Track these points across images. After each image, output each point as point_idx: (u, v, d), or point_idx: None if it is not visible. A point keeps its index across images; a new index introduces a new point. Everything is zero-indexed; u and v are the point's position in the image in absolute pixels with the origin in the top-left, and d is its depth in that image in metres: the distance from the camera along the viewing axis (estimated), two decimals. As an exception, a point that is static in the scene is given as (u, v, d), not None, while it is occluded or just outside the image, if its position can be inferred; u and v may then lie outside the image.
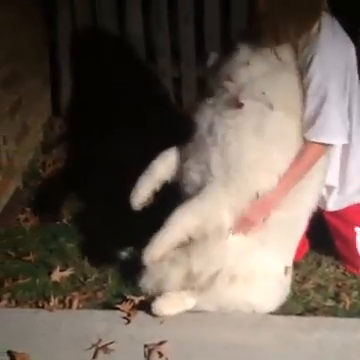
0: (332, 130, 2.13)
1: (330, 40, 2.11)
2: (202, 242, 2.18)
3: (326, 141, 2.14)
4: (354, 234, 2.50)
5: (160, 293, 2.28)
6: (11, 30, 3.29)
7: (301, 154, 2.13)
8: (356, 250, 2.52)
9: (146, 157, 3.31)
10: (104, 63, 4.08)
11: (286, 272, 2.30)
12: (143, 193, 2.31)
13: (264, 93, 2.09)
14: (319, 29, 2.11)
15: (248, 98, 2.09)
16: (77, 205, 3.16)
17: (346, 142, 2.22)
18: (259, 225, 2.17)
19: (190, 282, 2.24)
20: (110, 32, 4.02)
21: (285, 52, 2.14)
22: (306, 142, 2.14)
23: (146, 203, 2.32)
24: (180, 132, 3.58)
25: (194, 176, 2.22)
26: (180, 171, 2.30)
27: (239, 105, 2.08)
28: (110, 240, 2.74)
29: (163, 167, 2.32)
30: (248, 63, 2.11)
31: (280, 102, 2.10)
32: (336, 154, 2.33)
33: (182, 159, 2.31)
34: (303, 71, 2.12)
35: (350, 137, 2.26)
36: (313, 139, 2.12)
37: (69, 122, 4.06)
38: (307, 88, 2.11)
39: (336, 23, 2.19)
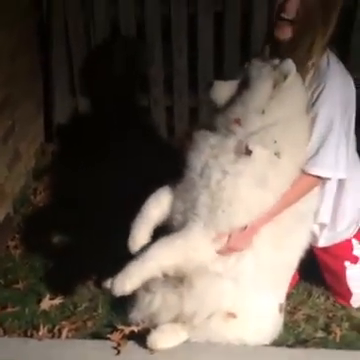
0: (333, 164, 2.13)
1: (339, 76, 2.14)
2: (196, 284, 2.15)
3: (325, 175, 2.14)
4: (344, 268, 2.51)
5: (151, 324, 2.26)
6: (7, 55, 3.32)
7: (295, 184, 2.10)
8: (346, 284, 2.53)
9: (137, 185, 3.37)
10: (98, 91, 4.12)
11: (280, 309, 2.30)
12: (140, 239, 2.21)
13: (276, 142, 2.02)
14: (328, 63, 2.14)
15: (257, 145, 2.02)
16: (68, 232, 3.14)
17: (344, 177, 2.22)
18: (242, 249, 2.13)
19: (182, 320, 2.22)
20: (104, 60, 4.07)
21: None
22: (303, 174, 2.11)
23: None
24: (171, 162, 3.65)
25: (179, 217, 2.18)
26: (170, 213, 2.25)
27: (248, 152, 2.01)
28: (101, 268, 2.73)
29: (157, 209, 2.24)
30: (263, 112, 2.03)
31: (288, 151, 2.05)
32: (330, 192, 2.34)
33: (172, 200, 2.25)
34: (309, 104, 2.11)
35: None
36: (312, 171, 2.11)
37: (61, 148, 4.07)
38: (313, 120, 2.10)
39: (340, 62, 2.22)
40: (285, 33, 2.12)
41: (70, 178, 3.65)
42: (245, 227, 2.08)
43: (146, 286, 2.28)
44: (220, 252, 2.11)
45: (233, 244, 2.09)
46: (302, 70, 2.11)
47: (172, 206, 2.22)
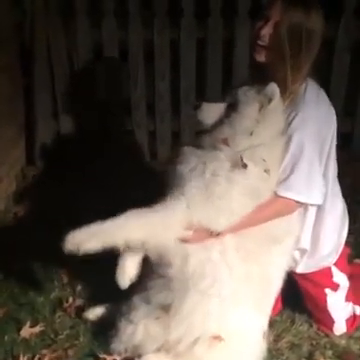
0: (304, 188, 2.16)
1: (314, 103, 2.19)
2: (182, 307, 2.14)
3: (295, 198, 2.16)
4: (325, 296, 2.51)
5: (134, 353, 2.23)
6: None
7: (266, 205, 2.12)
8: (328, 311, 2.53)
9: (120, 209, 3.35)
10: (80, 115, 4.11)
11: (264, 336, 2.29)
12: (129, 271, 2.17)
13: (264, 160, 2.09)
14: (305, 90, 2.20)
15: (249, 161, 2.07)
16: (49, 258, 3.09)
17: (317, 202, 2.24)
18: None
19: (166, 348, 2.20)
20: (87, 84, 4.07)
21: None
22: (276, 197, 2.14)
23: (134, 279, 2.18)
24: (154, 186, 3.64)
25: None
26: None
27: (244, 165, 2.06)
28: (83, 294, 2.70)
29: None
30: (251, 134, 2.10)
31: (275, 169, 2.12)
32: (310, 218, 2.36)
33: None
34: (285, 128, 2.16)
35: (324, 202, 2.31)
36: (283, 194, 2.14)
37: (43, 172, 4.04)
38: (286, 144, 2.15)
39: (322, 92, 2.27)
40: (261, 57, 2.20)
41: (52, 202, 3.62)
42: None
43: (127, 317, 2.27)
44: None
45: (191, 239, 2.07)
46: (281, 93, 2.16)
47: None
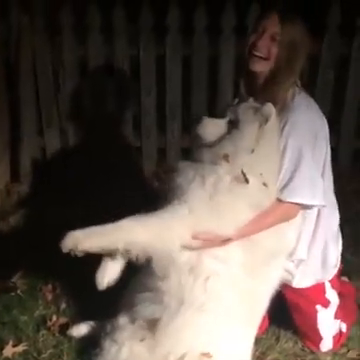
0: (309, 191, 2.18)
1: (303, 107, 2.24)
2: (172, 323, 2.12)
3: (300, 201, 2.18)
4: (315, 312, 2.51)
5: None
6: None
7: (270, 211, 2.14)
8: (317, 328, 2.53)
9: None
10: (66, 131, 4.10)
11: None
12: (109, 274, 2.18)
13: (261, 174, 2.12)
14: (293, 96, 2.25)
15: (248, 174, 2.10)
16: (32, 276, 3.06)
17: (322, 204, 2.25)
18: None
19: None
20: (72, 100, 4.06)
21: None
22: (279, 202, 2.16)
23: (112, 283, 2.19)
24: (140, 202, 3.64)
25: None
26: None
27: (246, 180, 2.08)
28: (66, 312, 2.67)
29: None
30: (253, 151, 2.12)
31: (273, 181, 2.16)
32: (308, 227, 2.36)
33: None
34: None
35: (322, 211, 2.34)
36: (288, 199, 2.16)
37: (28, 189, 4.01)
38: (283, 150, 2.18)
39: (311, 99, 2.32)
40: (259, 67, 2.26)
41: (36, 218, 3.59)
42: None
43: (112, 336, 2.24)
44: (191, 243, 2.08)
45: (208, 241, 2.09)
46: (277, 103, 2.21)
47: None
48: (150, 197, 3.87)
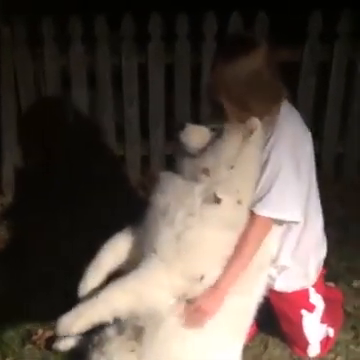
0: (278, 206, 2.16)
1: (287, 121, 2.22)
2: (158, 333, 2.11)
3: (271, 216, 2.16)
4: (301, 317, 2.50)
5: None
6: None
7: (247, 232, 2.13)
8: (303, 333, 2.53)
9: (91, 237, 3.31)
10: (47, 141, 4.07)
11: None
12: (92, 284, 2.21)
13: (238, 191, 2.11)
14: (278, 112, 2.22)
15: (223, 194, 2.08)
16: (16, 290, 3.02)
17: (294, 220, 2.24)
18: (212, 314, 2.13)
19: None
20: (55, 112, 4.04)
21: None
22: (253, 217, 2.14)
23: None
24: (124, 212, 3.63)
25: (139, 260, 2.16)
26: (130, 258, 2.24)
27: (217, 200, 2.07)
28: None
29: (112, 255, 2.25)
30: (232, 167, 2.10)
31: (247, 197, 2.14)
32: (292, 234, 2.35)
33: (130, 245, 2.26)
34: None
35: (307, 219, 2.33)
36: (259, 212, 2.14)
37: (11, 200, 3.97)
38: (262, 165, 2.16)
39: (295, 110, 2.31)
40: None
41: (20, 230, 3.55)
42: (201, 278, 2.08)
43: (100, 349, 2.23)
44: (188, 314, 2.10)
45: (203, 305, 2.10)
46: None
47: (129, 252, 2.23)
48: (135, 206, 3.86)
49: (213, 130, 2.19)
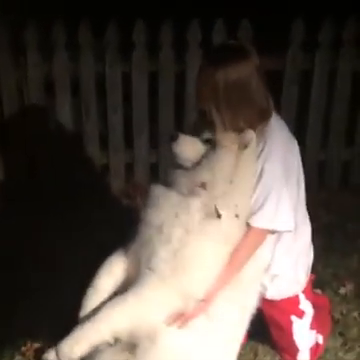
0: (274, 216, 2.18)
1: (278, 131, 2.23)
2: (152, 352, 2.09)
3: (268, 227, 2.18)
4: (290, 323, 2.52)
5: None
6: None
7: (242, 242, 2.14)
8: (293, 339, 2.54)
9: (77, 245, 3.29)
10: (31, 149, 4.03)
11: None
12: (92, 304, 2.18)
13: (237, 205, 2.11)
14: (268, 122, 2.22)
15: (223, 208, 2.07)
16: (2, 301, 2.96)
17: (289, 229, 2.26)
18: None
19: None
20: (38, 119, 4.00)
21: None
22: (248, 229, 2.15)
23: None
24: (107, 219, 3.61)
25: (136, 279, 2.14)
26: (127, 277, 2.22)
27: (219, 215, 2.06)
28: (41, 336, 2.60)
29: (108, 281, 2.21)
30: (231, 182, 2.09)
31: (245, 212, 2.14)
32: (283, 243, 2.36)
33: (126, 265, 2.24)
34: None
35: (296, 227, 2.33)
36: (256, 225, 2.15)
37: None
38: (257, 177, 2.17)
39: (282, 120, 2.32)
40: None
41: (4, 240, 3.50)
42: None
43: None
44: (172, 318, 2.08)
45: (191, 313, 2.09)
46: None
47: (126, 271, 2.20)
48: (119, 214, 3.85)
49: (206, 141, 2.16)
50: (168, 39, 3.90)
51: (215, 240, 2.07)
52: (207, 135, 2.16)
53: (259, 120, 2.20)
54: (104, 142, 4.14)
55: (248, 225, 2.16)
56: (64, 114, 4.03)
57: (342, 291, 3.10)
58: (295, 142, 2.36)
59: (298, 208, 2.37)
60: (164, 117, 4.10)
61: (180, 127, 4.02)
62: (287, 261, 2.41)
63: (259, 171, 2.17)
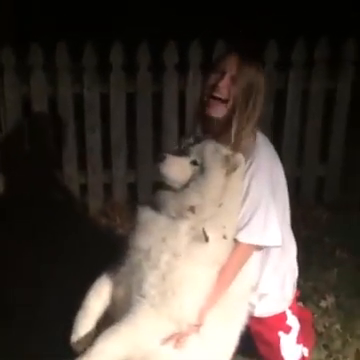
0: (262, 232, 2.21)
1: (264, 147, 2.28)
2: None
3: (257, 243, 2.22)
4: (278, 339, 2.54)
5: None
6: None
7: (232, 257, 2.15)
8: (280, 355, 2.56)
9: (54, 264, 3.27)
10: (9, 170, 4.01)
11: None
12: (84, 335, 2.17)
13: (225, 227, 2.12)
14: (255, 140, 2.28)
15: (210, 231, 2.08)
16: None
17: (277, 244, 2.29)
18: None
19: None
20: (16, 140, 4.00)
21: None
22: (236, 245, 2.17)
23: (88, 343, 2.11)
24: (86, 240, 3.60)
25: (122, 303, 2.14)
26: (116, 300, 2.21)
27: (206, 239, 2.06)
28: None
29: (98, 303, 2.21)
30: (220, 205, 2.10)
31: (233, 232, 2.17)
32: (271, 262, 2.40)
33: (114, 286, 2.22)
34: None
35: (282, 248, 2.38)
36: (246, 240, 2.18)
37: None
38: (244, 193, 2.20)
39: (265, 137, 2.37)
40: (218, 112, 2.24)
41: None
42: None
43: None
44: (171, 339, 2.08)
45: (186, 331, 2.09)
46: (237, 145, 2.21)
47: (114, 293, 2.19)
48: (98, 234, 3.85)
49: (193, 163, 2.16)
50: (145, 61, 3.96)
51: (203, 263, 2.08)
52: (197, 156, 2.16)
53: (253, 131, 2.27)
54: (82, 163, 4.15)
55: (235, 241, 2.18)
56: (42, 135, 4.03)
57: (323, 304, 3.15)
58: (278, 161, 2.39)
59: (284, 226, 2.41)
60: (142, 137, 4.14)
61: (157, 147, 4.07)
62: (275, 280, 2.45)
63: (246, 187, 2.20)
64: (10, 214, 3.89)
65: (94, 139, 4.11)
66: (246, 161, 2.21)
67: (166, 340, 2.08)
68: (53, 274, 3.29)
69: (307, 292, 3.22)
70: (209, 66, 2.37)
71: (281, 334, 2.54)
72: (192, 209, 2.07)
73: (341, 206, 4.21)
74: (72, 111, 4.03)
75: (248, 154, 2.23)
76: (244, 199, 2.20)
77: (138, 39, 3.91)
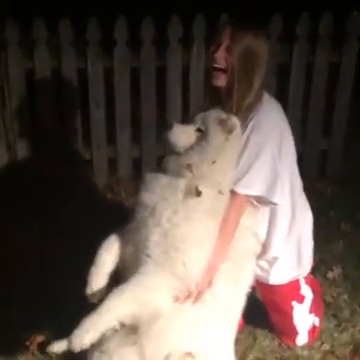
0: (262, 185, 2.26)
1: (267, 108, 2.32)
2: (154, 324, 2.14)
3: (254, 194, 2.26)
4: (291, 308, 2.60)
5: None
6: None
7: (228, 210, 2.21)
8: (293, 323, 2.63)
9: (61, 239, 3.29)
10: (13, 145, 4.01)
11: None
12: (97, 287, 2.25)
13: (220, 183, 2.19)
14: (260, 101, 2.32)
15: (205, 187, 2.15)
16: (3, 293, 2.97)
17: (277, 201, 2.30)
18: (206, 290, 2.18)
19: None
20: (20, 116, 4.00)
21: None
22: (232, 196, 2.23)
23: (103, 296, 2.19)
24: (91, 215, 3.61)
25: (131, 260, 2.20)
26: (126, 256, 2.27)
27: (198, 193, 2.13)
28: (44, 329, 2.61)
29: (109, 258, 2.27)
30: (214, 162, 2.18)
31: (228, 187, 2.23)
32: (281, 226, 2.44)
33: (123, 244, 2.29)
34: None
35: (295, 212, 2.43)
36: (242, 191, 2.23)
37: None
38: (243, 145, 2.25)
39: (275, 101, 2.40)
40: (220, 81, 2.31)
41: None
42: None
43: (100, 348, 2.23)
44: (186, 298, 2.14)
45: (199, 287, 2.13)
46: (240, 112, 2.27)
47: (123, 250, 2.26)
48: (103, 208, 3.88)
49: (198, 131, 2.26)
50: (149, 35, 3.94)
51: (201, 217, 2.14)
52: (201, 123, 2.26)
53: (258, 95, 2.31)
54: (87, 138, 4.15)
55: (232, 192, 2.23)
56: (46, 110, 4.02)
57: (330, 275, 3.21)
58: (288, 124, 2.41)
59: (295, 193, 2.46)
60: (146, 112, 4.14)
61: (162, 122, 4.08)
62: (289, 245, 2.49)
63: (244, 140, 2.26)
64: (15, 189, 3.90)
65: (98, 114, 4.10)
66: (249, 118, 2.27)
67: (177, 299, 2.13)
68: (60, 249, 3.32)
69: (315, 263, 3.27)
70: (212, 39, 2.39)
71: (294, 304, 2.59)
72: (189, 167, 2.18)
73: (344, 180, 4.25)
74: (76, 86, 4.01)
75: (251, 111, 2.29)
76: (243, 151, 2.25)
77: (142, 14, 3.89)
